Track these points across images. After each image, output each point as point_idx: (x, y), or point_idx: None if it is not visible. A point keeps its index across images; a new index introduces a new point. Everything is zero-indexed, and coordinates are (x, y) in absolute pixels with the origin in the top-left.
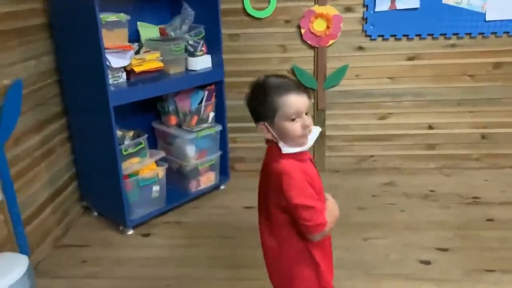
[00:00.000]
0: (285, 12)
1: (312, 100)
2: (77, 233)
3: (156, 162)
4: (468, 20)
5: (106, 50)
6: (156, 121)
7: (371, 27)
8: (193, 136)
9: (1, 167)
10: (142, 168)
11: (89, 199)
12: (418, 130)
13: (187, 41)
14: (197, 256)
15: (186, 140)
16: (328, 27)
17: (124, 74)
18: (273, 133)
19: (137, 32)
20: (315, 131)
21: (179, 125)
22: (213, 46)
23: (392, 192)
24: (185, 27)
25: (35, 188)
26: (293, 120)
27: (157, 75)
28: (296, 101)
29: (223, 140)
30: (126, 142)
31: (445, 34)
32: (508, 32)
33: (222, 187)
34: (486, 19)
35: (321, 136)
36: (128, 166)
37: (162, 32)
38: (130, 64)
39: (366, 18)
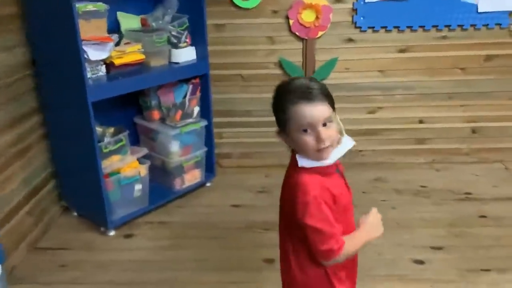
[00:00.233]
0: (272, 2)
1: None
2: (55, 235)
3: (138, 159)
4: (460, 12)
5: (83, 42)
6: (138, 116)
7: (361, 18)
8: (177, 131)
9: None
10: (123, 166)
11: (69, 199)
12: (409, 124)
13: (170, 32)
14: (182, 258)
15: (170, 136)
16: (317, 18)
17: (103, 67)
18: (290, 143)
19: (117, 22)
20: (345, 143)
21: (162, 121)
22: (198, 37)
23: (382, 188)
24: (168, 17)
25: (10, 188)
26: (305, 131)
27: (139, 68)
28: (308, 112)
29: (208, 135)
30: (106, 139)
31: (437, 26)
32: (500, 24)
33: (208, 184)
34: (478, 11)
35: None
36: (109, 164)
37: (144, 23)
38: (109, 57)
39: (356, 9)
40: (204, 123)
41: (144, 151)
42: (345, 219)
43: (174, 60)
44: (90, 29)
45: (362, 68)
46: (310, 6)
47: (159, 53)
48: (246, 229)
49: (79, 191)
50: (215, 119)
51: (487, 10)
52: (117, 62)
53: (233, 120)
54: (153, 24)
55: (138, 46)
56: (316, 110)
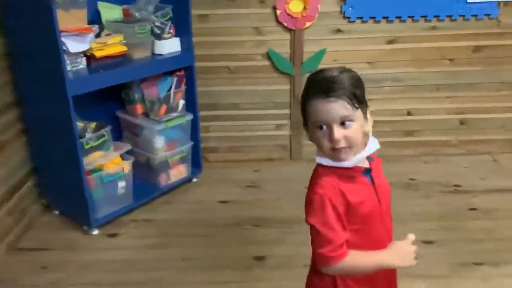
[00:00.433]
0: None
1: (288, 86)
2: (36, 235)
3: (121, 155)
4: (449, 2)
5: (62, 33)
6: (121, 111)
7: (350, 8)
8: (161, 126)
9: None
10: (106, 162)
11: (50, 197)
12: (397, 116)
13: (153, 23)
14: (169, 257)
15: (154, 131)
16: (305, 8)
17: (84, 59)
18: (310, 138)
19: (98, 13)
20: (369, 147)
21: (146, 115)
22: (182, 28)
23: None
24: (150, 8)
25: None
26: (321, 128)
27: (121, 60)
28: (320, 108)
29: (194, 130)
30: (88, 135)
31: (426, 16)
32: (489, 15)
33: (194, 180)
34: (468, 1)
35: (299, 124)
36: (91, 161)
37: (126, 13)
38: (90, 49)
39: None
40: (189, 117)
41: (127, 146)
42: (366, 232)
43: (157, 51)
44: (69, 19)
45: (350, 60)
46: None
47: (142, 45)
48: (235, 226)
49: (61, 189)
50: (201, 113)
51: (476, 1)
52: (98, 54)
53: (220, 113)
54: (136, 14)
55: (120, 38)
56: (332, 107)
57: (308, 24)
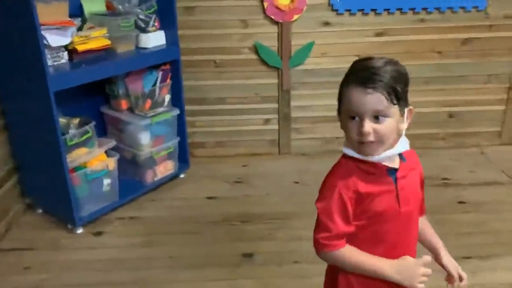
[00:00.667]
0: None
1: (276, 80)
2: (19, 235)
3: (106, 152)
4: None
5: (42, 27)
6: (105, 106)
7: (338, 1)
8: (147, 122)
9: None
10: (90, 159)
11: (33, 195)
12: None
13: (137, 16)
14: (156, 255)
15: (140, 126)
16: (292, 0)
17: (66, 54)
18: (341, 126)
19: (80, 6)
20: (398, 146)
21: (131, 110)
22: (167, 21)
23: None
24: (134, 0)
25: None
26: (353, 118)
27: (104, 54)
28: (356, 98)
29: (181, 125)
30: (71, 131)
31: (414, 9)
32: (477, 7)
33: (181, 176)
34: None
35: (287, 118)
36: (75, 157)
37: (109, 6)
38: (72, 43)
39: None
40: (175, 112)
41: (112, 143)
42: (377, 232)
43: (142, 45)
44: (49, 12)
45: (339, 53)
46: None
47: (126, 38)
48: (223, 222)
49: (44, 186)
50: (187, 108)
51: None
52: (80, 48)
53: (207, 108)
54: (119, 7)
55: (103, 31)
56: (367, 99)
57: (296, 16)
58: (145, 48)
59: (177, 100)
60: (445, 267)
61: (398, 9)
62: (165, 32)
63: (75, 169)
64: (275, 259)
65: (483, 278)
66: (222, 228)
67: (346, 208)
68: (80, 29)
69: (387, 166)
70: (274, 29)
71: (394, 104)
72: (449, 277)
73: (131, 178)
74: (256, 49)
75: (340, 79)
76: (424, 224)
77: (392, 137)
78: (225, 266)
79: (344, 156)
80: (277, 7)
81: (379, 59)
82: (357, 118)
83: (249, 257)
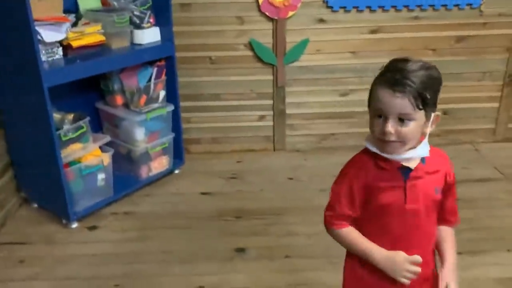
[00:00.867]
0: None
1: (271, 77)
2: (14, 229)
3: (101, 147)
4: None
5: (36, 23)
6: (101, 102)
7: None
8: (142, 117)
9: None
10: (85, 154)
11: (28, 190)
12: None
13: (132, 12)
14: (149, 250)
15: (135, 122)
16: None
17: (60, 49)
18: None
19: (75, 1)
20: (418, 150)
21: (126, 106)
22: (162, 17)
23: None
24: None
25: None
26: (379, 116)
27: (99, 50)
28: (383, 99)
29: (176, 121)
30: (66, 126)
31: (408, 6)
32: (471, 5)
33: (176, 171)
34: None
35: (281, 115)
36: (69, 152)
37: (104, 2)
38: (66, 38)
39: None
40: (170, 107)
41: (107, 138)
42: (382, 226)
43: (137, 41)
44: (43, 8)
45: (333, 50)
46: None
47: (121, 34)
48: (217, 218)
49: (39, 181)
50: (183, 104)
51: None
52: (74, 44)
53: (202, 104)
54: (114, 3)
55: (98, 27)
56: (394, 102)
57: (290, 13)
58: (140, 44)
59: (172, 96)
60: (438, 278)
61: (392, 6)
62: (160, 28)
63: (70, 164)
64: (267, 254)
65: (472, 273)
66: (215, 223)
67: (353, 194)
68: (75, 25)
69: (401, 165)
70: (269, 26)
71: (420, 110)
72: None
73: (126, 173)
74: (251, 46)
75: (335, 75)
76: (446, 235)
77: (415, 139)
78: (217, 260)
79: (365, 148)
80: (272, 4)
81: (414, 63)
82: (382, 117)
83: (242, 252)
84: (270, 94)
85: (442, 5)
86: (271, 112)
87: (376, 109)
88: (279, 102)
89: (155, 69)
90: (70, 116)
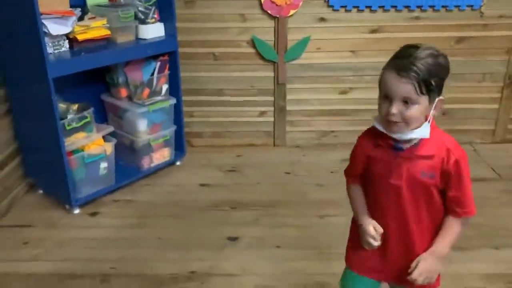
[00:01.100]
0: None
1: (272, 74)
2: (20, 213)
3: (104, 137)
4: None
5: (43, 16)
6: (106, 94)
7: None
8: (144, 109)
9: None
10: (88, 143)
11: (34, 176)
12: None
13: (137, 7)
14: (146, 236)
15: (137, 113)
16: None
17: (66, 42)
18: None
19: None
20: (418, 131)
21: (129, 98)
22: (166, 13)
23: None
24: None
25: None
26: (386, 98)
27: (104, 44)
28: (390, 82)
29: (178, 114)
30: (70, 116)
31: (408, 7)
32: (472, 6)
33: (177, 163)
34: None
35: (282, 111)
36: (73, 141)
37: None
38: (72, 32)
39: None
40: (172, 101)
41: (110, 128)
42: (370, 192)
43: (141, 36)
44: (50, 2)
45: (334, 48)
46: None
47: (126, 29)
48: (213, 208)
49: (44, 168)
50: (186, 98)
51: None
52: (80, 37)
53: (204, 98)
54: None
55: (103, 21)
56: (399, 86)
57: (292, 12)
58: (144, 39)
59: (174, 90)
60: None
61: (393, 6)
62: (164, 24)
63: (73, 152)
64: (258, 244)
65: (459, 268)
66: (211, 213)
67: (356, 158)
68: (81, 19)
69: (393, 145)
70: (271, 23)
71: (424, 95)
72: None
73: (129, 163)
74: (253, 43)
75: (335, 73)
76: (446, 225)
77: (419, 121)
78: (209, 248)
79: (373, 126)
80: (274, 2)
81: (424, 50)
82: (388, 99)
83: (234, 240)
84: (271, 90)
85: (443, 6)
86: (272, 108)
87: (383, 91)
88: (280, 99)
89: (158, 64)
90: (75, 107)
